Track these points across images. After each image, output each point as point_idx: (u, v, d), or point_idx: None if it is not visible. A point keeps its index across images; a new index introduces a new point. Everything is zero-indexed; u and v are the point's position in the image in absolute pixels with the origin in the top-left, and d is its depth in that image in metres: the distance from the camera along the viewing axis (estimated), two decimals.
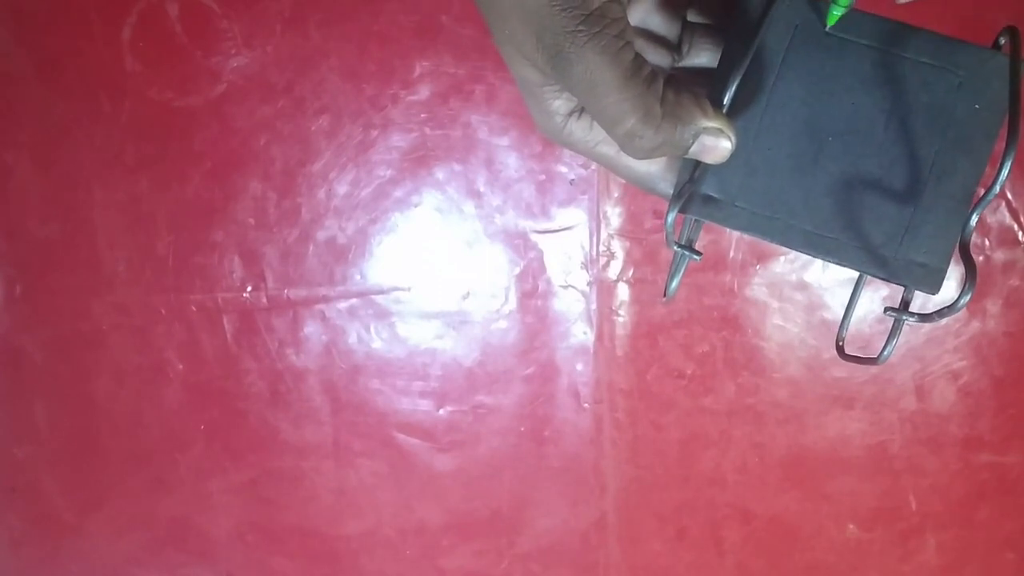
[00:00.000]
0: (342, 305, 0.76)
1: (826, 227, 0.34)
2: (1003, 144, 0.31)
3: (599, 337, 0.74)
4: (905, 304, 0.36)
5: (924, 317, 0.34)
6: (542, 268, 0.74)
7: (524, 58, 0.30)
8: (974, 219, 0.33)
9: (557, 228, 0.73)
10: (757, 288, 0.72)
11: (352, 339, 0.76)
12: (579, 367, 0.74)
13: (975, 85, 0.33)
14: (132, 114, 0.74)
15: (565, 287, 0.74)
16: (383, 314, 0.76)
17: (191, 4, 0.72)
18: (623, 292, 0.73)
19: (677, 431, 0.75)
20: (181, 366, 0.77)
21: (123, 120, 0.74)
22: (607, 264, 0.73)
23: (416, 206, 0.74)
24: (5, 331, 0.78)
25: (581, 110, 0.32)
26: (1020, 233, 0.70)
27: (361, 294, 0.75)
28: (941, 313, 0.32)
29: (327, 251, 0.75)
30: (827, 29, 0.33)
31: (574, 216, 0.72)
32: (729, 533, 0.76)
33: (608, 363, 0.74)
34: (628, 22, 0.29)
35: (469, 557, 0.79)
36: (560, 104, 0.32)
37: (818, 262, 0.70)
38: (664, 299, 0.39)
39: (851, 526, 0.75)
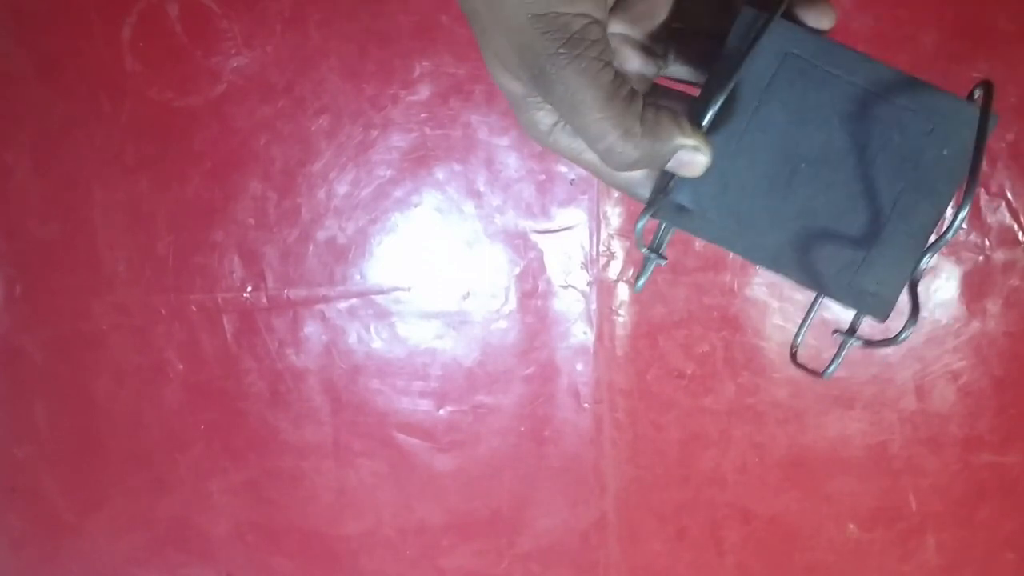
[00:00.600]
0: (342, 305, 0.76)
1: (789, 247, 0.36)
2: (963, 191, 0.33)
3: (599, 337, 0.74)
4: (853, 329, 0.38)
5: (867, 344, 0.37)
6: (542, 268, 0.74)
7: (508, 72, 0.31)
8: (926, 260, 0.34)
9: (557, 228, 0.73)
10: (757, 288, 0.72)
11: (352, 339, 0.76)
12: (579, 367, 0.74)
13: (946, 132, 0.35)
14: (132, 114, 0.74)
15: (565, 287, 0.74)
16: (383, 314, 0.76)
17: (191, 4, 0.72)
18: (623, 292, 0.73)
19: (677, 431, 0.75)
20: (181, 366, 0.77)
21: (123, 120, 0.74)
22: (607, 264, 0.73)
23: (416, 206, 0.74)
24: (5, 331, 0.78)
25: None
26: (1020, 233, 0.70)
27: (361, 294, 0.75)
28: (882, 343, 0.35)
29: (327, 251, 0.75)
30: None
31: (574, 216, 0.72)
32: (729, 533, 0.76)
33: (608, 363, 0.74)
34: (608, 43, 0.30)
35: (469, 557, 0.79)
36: (544, 115, 0.33)
37: None
38: (634, 291, 0.45)
39: (851, 526, 0.75)
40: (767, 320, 0.72)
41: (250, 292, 0.76)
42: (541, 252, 0.73)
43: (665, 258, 0.36)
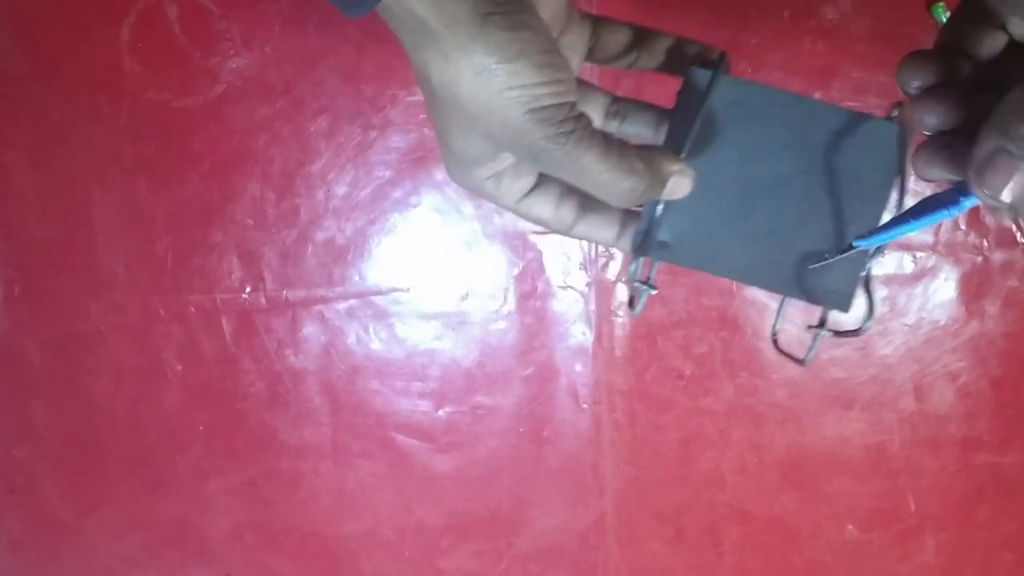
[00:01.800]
0: (341, 306, 0.76)
1: (757, 262, 0.42)
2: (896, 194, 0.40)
3: (598, 338, 0.74)
4: (822, 322, 0.44)
5: (836, 334, 0.43)
6: (541, 269, 0.74)
7: (489, 141, 0.34)
8: (873, 262, 0.41)
9: None
10: (755, 288, 0.72)
11: (351, 340, 0.76)
12: (578, 368, 0.75)
13: (873, 149, 0.40)
14: (131, 115, 0.74)
15: (564, 288, 0.74)
16: (382, 315, 0.76)
17: (190, 5, 0.72)
18: (622, 293, 0.73)
19: (676, 431, 0.75)
20: (180, 367, 0.77)
21: (122, 121, 0.74)
22: (606, 265, 0.73)
23: (415, 207, 0.74)
24: (4, 331, 0.78)
25: (498, 175, 0.38)
26: (1019, 234, 0.70)
27: (360, 295, 0.75)
28: (849, 334, 0.42)
29: (326, 252, 0.75)
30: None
31: None
32: (728, 533, 0.76)
33: (607, 364, 0.74)
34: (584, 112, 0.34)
35: (468, 558, 0.79)
36: (483, 171, 0.38)
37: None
38: (634, 315, 0.55)
39: (850, 526, 0.75)
40: (766, 321, 0.72)
41: (249, 293, 0.76)
42: (540, 253, 0.73)
43: (656, 288, 0.43)
